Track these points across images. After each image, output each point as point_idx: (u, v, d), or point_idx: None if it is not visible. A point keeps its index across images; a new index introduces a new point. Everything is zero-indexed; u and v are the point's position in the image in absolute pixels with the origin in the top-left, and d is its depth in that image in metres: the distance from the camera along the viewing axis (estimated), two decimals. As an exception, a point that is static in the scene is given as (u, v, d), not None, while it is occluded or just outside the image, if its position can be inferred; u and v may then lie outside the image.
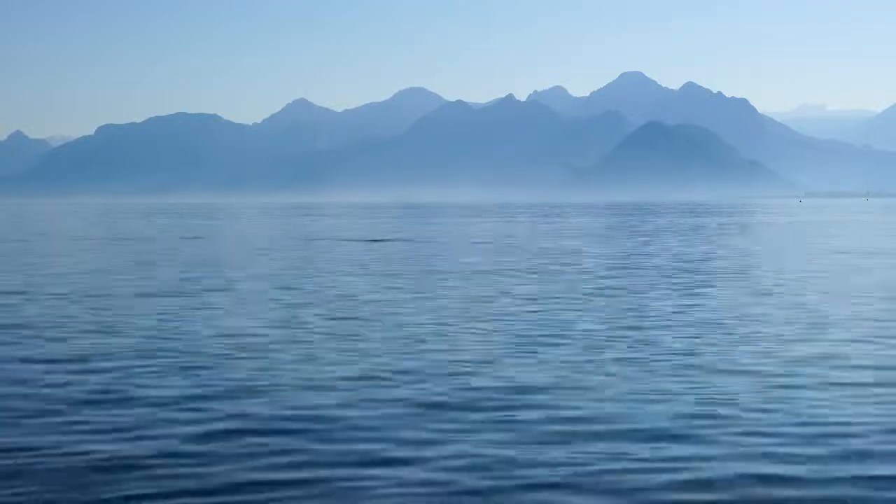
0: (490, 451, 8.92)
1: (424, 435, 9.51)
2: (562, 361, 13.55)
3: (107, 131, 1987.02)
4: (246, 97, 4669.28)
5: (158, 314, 19.26)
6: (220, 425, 9.92)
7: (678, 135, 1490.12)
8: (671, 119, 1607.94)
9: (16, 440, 9.44)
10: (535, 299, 21.76)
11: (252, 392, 11.52)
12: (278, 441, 9.30)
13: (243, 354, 14.27)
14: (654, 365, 13.29)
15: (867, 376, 12.55)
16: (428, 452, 8.90)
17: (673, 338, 15.75)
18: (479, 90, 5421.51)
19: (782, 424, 9.96)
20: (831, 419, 10.23)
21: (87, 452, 8.96)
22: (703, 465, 8.49)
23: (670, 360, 13.63)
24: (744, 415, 10.36)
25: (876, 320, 17.94)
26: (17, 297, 23.16)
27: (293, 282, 26.69)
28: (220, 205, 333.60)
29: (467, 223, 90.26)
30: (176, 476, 8.24)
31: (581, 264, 33.26)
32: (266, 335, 16.19)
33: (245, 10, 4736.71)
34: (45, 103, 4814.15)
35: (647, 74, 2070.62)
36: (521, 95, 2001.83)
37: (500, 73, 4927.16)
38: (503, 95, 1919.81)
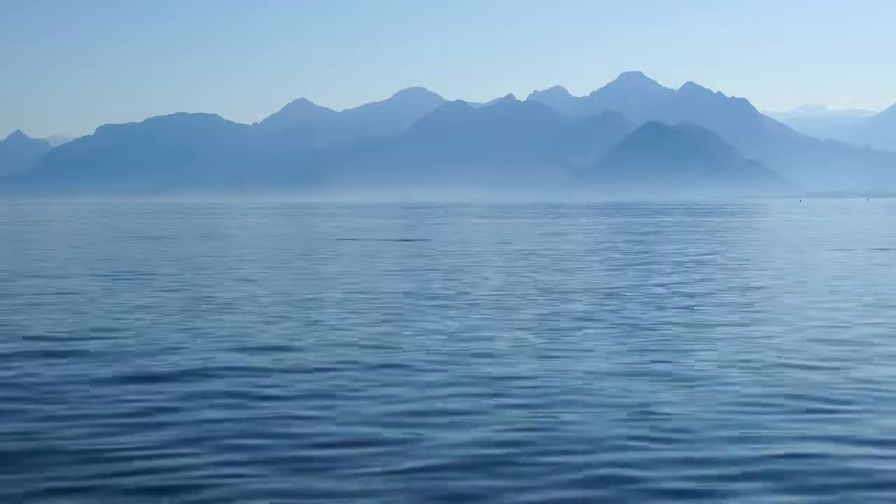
0: None
1: None
2: None
3: (106, 131, 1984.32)
4: (246, 97, 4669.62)
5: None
6: None
7: (678, 135, 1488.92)
8: (671, 119, 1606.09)
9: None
10: None
11: None
12: None
13: None
14: None
15: None
16: None
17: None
18: (479, 90, 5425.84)
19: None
20: None
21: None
22: None
23: None
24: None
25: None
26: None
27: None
28: (246, 205, 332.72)
29: (592, 223, 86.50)
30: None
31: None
32: None
33: (245, 11, 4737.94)
34: (44, 103, 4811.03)
35: (647, 74, 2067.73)
36: (521, 95, 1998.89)
37: (500, 73, 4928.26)
38: (503, 95, 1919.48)
